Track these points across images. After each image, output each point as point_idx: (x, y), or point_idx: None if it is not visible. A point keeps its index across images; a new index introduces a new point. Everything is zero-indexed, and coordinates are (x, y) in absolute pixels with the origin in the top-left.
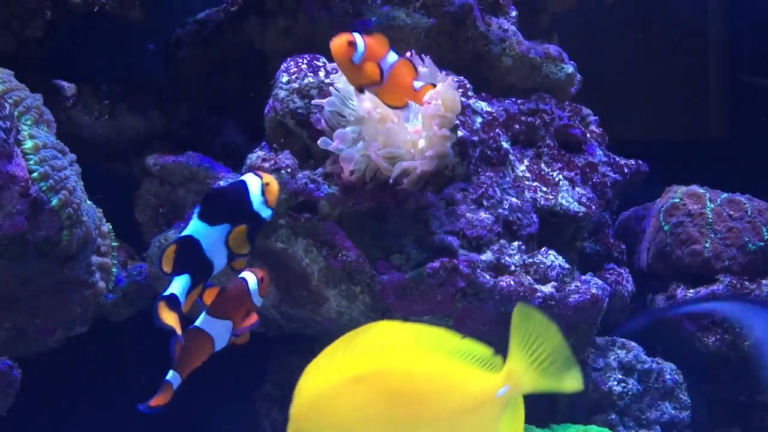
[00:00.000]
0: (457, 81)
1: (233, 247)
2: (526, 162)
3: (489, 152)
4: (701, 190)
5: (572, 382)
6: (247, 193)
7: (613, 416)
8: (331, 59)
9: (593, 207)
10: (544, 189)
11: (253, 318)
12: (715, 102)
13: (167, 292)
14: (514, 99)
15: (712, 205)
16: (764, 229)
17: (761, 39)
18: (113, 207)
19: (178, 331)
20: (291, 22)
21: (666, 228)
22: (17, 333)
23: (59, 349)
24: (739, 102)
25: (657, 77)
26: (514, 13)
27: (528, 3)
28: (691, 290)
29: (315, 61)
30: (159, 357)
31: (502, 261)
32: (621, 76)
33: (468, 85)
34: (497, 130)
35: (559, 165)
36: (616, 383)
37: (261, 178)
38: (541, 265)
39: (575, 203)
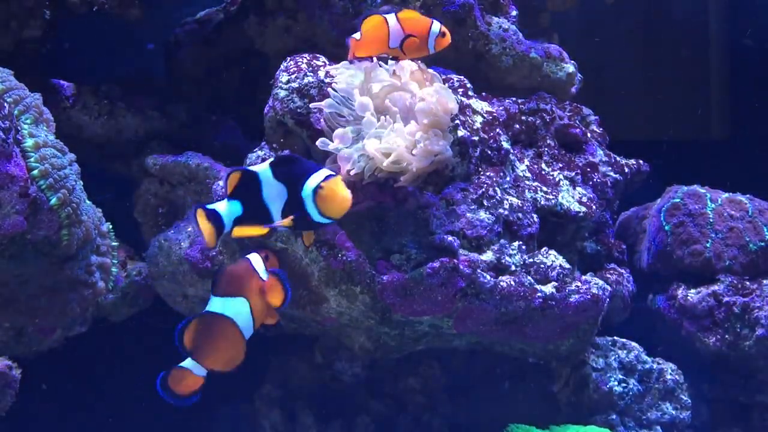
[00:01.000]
0: (457, 80)
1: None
2: (526, 162)
3: (489, 152)
4: (702, 190)
5: None
6: (307, 176)
7: (614, 416)
8: (330, 59)
9: (594, 207)
10: (545, 189)
11: (277, 288)
12: (716, 102)
13: (210, 206)
14: (514, 98)
15: (712, 205)
16: (765, 229)
17: (761, 39)
18: (113, 207)
19: (211, 244)
20: (291, 22)
21: (667, 228)
22: (16, 333)
23: (58, 348)
24: (739, 102)
25: (657, 77)
26: (514, 13)
27: (528, 2)
28: (692, 290)
29: (315, 61)
30: (159, 357)
31: (503, 261)
32: (621, 75)
33: (468, 85)
34: (497, 130)
35: (560, 165)
36: (616, 383)
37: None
38: (542, 265)
39: (576, 203)
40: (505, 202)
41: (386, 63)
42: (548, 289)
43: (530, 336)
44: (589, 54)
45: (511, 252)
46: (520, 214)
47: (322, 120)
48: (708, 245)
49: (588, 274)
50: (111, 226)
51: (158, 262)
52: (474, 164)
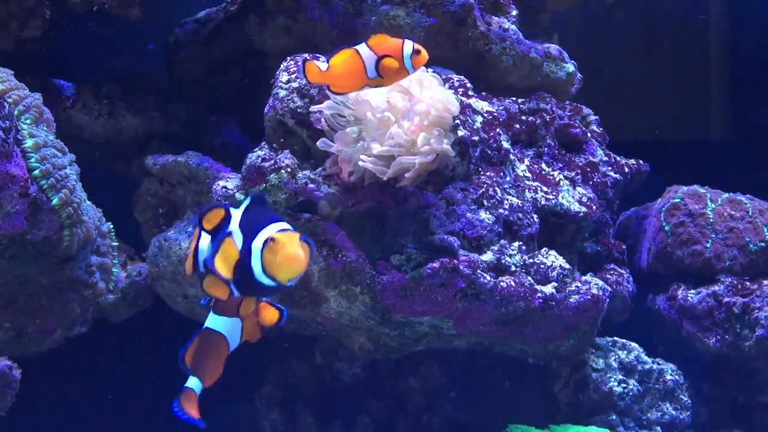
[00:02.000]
0: (457, 80)
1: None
2: (526, 162)
3: (489, 152)
4: (702, 190)
5: None
6: (265, 225)
7: (614, 417)
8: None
9: (594, 207)
10: (545, 189)
11: (272, 313)
12: (716, 102)
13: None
14: (514, 98)
15: (713, 205)
16: (765, 229)
17: (762, 38)
18: (113, 207)
19: (188, 271)
20: (291, 22)
21: (667, 228)
22: (17, 333)
23: (59, 349)
24: (739, 102)
25: (658, 77)
26: (514, 13)
27: (528, 2)
28: (692, 290)
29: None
30: (158, 357)
31: (503, 261)
32: (621, 75)
33: (468, 85)
34: (498, 130)
35: (560, 165)
36: (616, 384)
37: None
38: (542, 266)
39: (576, 203)
40: (505, 202)
41: None
42: (548, 289)
43: (530, 336)
44: (589, 54)
45: (511, 252)
46: (520, 215)
47: (322, 120)
48: (708, 245)
49: (588, 274)
50: (111, 227)
51: (158, 262)
52: (474, 164)
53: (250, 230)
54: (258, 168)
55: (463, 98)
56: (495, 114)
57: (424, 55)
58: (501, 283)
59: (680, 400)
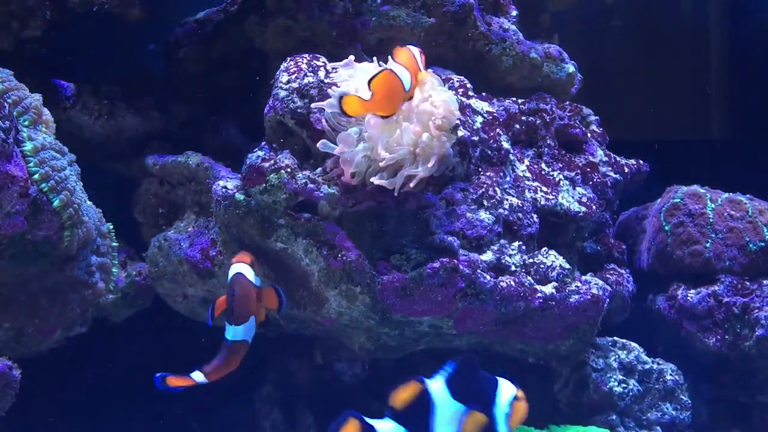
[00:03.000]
0: (457, 81)
1: None
2: (526, 162)
3: (489, 152)
4: (702, 190)
5: None
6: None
7: (614, 417)
8: (330, 59)
9: (594, 207)
10: (545, 189)
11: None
12: (716, 102)
13: (369, 420)
14: (514, 99)
15: (713, 205)
16: (765, 229)
17: (763, 38)
18: (113, 207)
19: None
20: (291, 22)
21: (667, 228)
22: (16, 333)
23: (59, 349)
24: (740, 102)
25: (658, 77)
26: (514, 13)
27: (529, 3)
28: (692, 290)
29: (315, 61)
30: (158, 357)
31: (503, 261)
32: (621, 75)
33: (468, 85)
34: (497, 130)
35: (560, 165)
36: (616, 384)
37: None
38: (542, 266)
39: (576, 203)
40: (505, 202)
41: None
42: (548, 289)
43: (530, 336)
44: (589, 54)
45: (511, 252)
46: (520, 214)
47: (323, 120)
48: (708, 245)
49: (588, 274)
50: (111, 227)
51: (158, 262)
52: (474, 164)
53: (479, 397)
54: (258, 168)
55: (463, 98)
56: (495, 114)
57: (423, 55)
58: (501, 283)
59: (680, 400)
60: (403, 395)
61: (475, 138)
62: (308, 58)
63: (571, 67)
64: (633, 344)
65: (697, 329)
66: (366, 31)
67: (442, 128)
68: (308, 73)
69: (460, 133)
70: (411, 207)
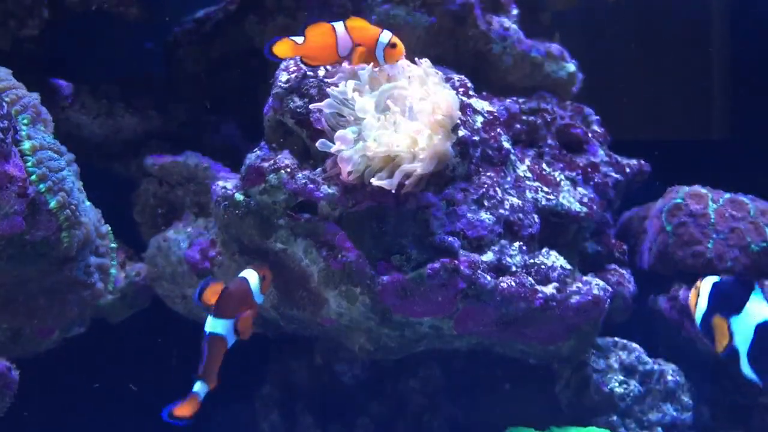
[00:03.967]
0: (458, 80)
1: None
2: (527, 162)
3: (490, 152)
4: (704, 191)
5: None
6: None
7: (615, 418)
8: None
9: (595, 207)
10: (546, 189)
11: (249, 316)
12: (717, 101)
13: None
14: (515, 98)
15: (714, 206)
16: (767, 230)
17: (764, 38)
18: (112, 207)
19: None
20: (290, 21)
21: (668, 228)
22: (14, 334)
23: (57, 350)
24: (741, 102)
25: (659, 76)
26: (515, 12)
27: (529, 1)
28: None
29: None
30: (157, 357)
31: (503, 262)
32: (623, 75)
33: (469, 84)
34: (498, 130)
35: (561, 165)
36: (617, 385)
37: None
38: (543, 266)
39: (577, 203)
40: (506, 202)
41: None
42: (549, 289)
43: (531, 337)
44: (590, 53)
45: (511, 253)
46: (520, 215)
47: (322, 119)
48: (710, 246)
49: (589, 274)
50: (110, 228)
51: (157, 262)
52: (475, 164)
53: None
54: (257, 168)
55: (464, 98)
56: (496, 114)
57: (401, 49)
58: (502, 284)
59: (681, 401)
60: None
61: (476, 138)
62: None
63: (572, 67)
64: (634, 345)
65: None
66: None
67: (442, 125)
68: (308, 72)
69: (461, 132)
70: (411, 207)
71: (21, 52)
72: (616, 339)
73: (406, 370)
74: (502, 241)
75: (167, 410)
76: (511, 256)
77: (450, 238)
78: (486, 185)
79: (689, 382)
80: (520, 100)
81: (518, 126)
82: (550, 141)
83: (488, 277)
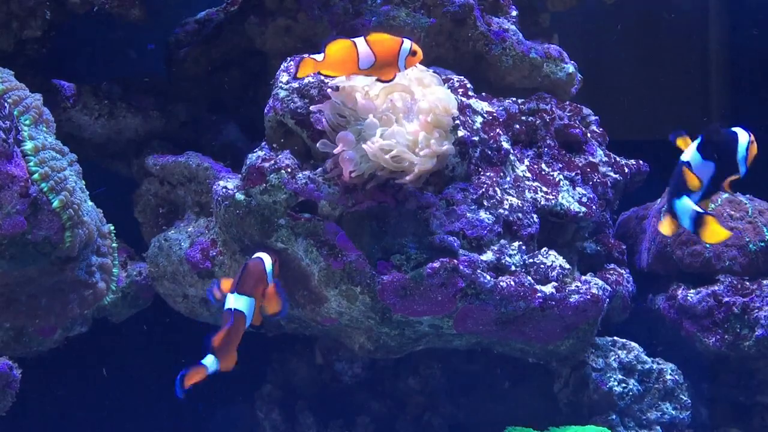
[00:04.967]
0: (457, 81)
1: None
2: (526, 162)
3: (489, 152)
4: None
5: None
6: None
7: (614, 417)
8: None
9: (594, 207)
10: (545, 189)
11: (276, 299)
12: (716, 101)
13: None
14: (514, 99)
15: (712, 205)
16: (765, 230)
17: (762, 38)
18: (113, 207)
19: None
20: (291, 22)
21: None
22: (17, 333)
23: (59, 349)
24: (740, 101)
25: (658, 77)
26: (514, 13)
27: (528, 3)
28: (692, 290)
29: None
30: (158, 357)
31: (503, 261)
32: (621, 75)
33: (468, 85)
34: (497, 130)
35: (560, 165)
36: (616, 384)
37: None
38: (542, 266)
39: (576, 203)
40: (505, 202)
41: None
42: (548, 289)
43: (530, 336)
44: (589, 54)
45: (511, 252)
46: (520, 215)
47: (323, 120)
48: (708, 246)
49: (588, 274)
50: (112, 227)
51: (158, 262)
52: (474, 164)
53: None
54: (258, 168)
55: (463, 99)
56: (495, 114)
57: (420, 55)
58: (501, 283)
59: (680, 400)
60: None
61: (475, 138)
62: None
63: (571, 67)
64: (633, 344)
65: (696, 329)
66: (366, 31)
67: (440, 126)
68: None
69: (460, 133)
70: (411, 207)
71: (23, 53)
72: (615, 338)
73: (406, 368)
74: (502, 241)
75: (180, 377)
76: (510, 256)
77: (449, 238)
78: (485, 185)
79: (688, 381)
80: (519, 101)
81: (517, 126)
82: (549, 141)
83: (488, 277)
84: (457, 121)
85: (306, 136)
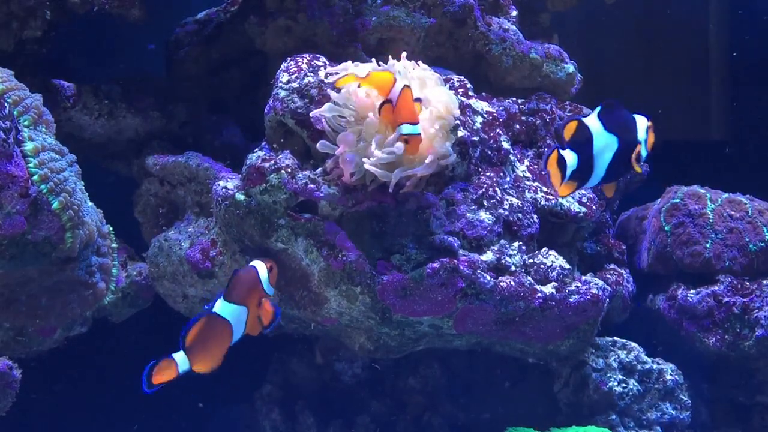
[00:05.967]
0: (457, 81)
1: None
2: (526, 162)
3: (489, 152)
4: (702, 191)
5: None
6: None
7: (614, 417)
8: (331, 59)
9: (594, 207)
10: (545, 189)
11: (269, 309)
12: (716, 102)
13: (562, 152)
14: (514, 99)
15: (712, 206)
16: (765, 230)
17: (762, 38)
18: (113, 207)
19: (557, 189)
20: (291, 22)
21: (666, 228)
22: (17, 333)
23: (59, 349)
24: (739, 102)
25: (657, 77)
26: (514, 13)
27: (529, 3)
28: (692, 290)
29: (315, 61)
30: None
31: (503, 261)
32: (621, 75)
33: (468, 85)
34: (497, 130)
35: None
36: (616, 384)
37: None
38: (542, 266)
39: (576, 203)
40: (505, 202)
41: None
42: (548, 289)
43: (530, 336)
44: (589, 54)
45: (511, 252)
46: (520, 215)
47: (323, 120)
48: (708, 246)
49: (588, 274)
50: (111, 228)
51: (158, 262)
52: (474, 164)
53: (625, 128)
54: (258, 168)
55: (463, 99)
56: (495, 114)
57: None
58: (501, 283)
59: (680, 400)
60: (570, 129)
61: (475, 138)
62: (308, 58)
63: (571, 67)
64: (633, 344)
65: (697, 329)
66: (366, 32)
67: (441, 126)
68: (308, 73)
69: (460, 133)
70: (411, 207)
71: (23, 53)
72: (615, 338)
73: (407, 368)
74: (502, 241)
75: (146, 374)
76: (510, 256)
77: (449, 238)
78: (485, 185)
79: (688, 381)
80: (520, 101)
81: (517, 126)
82: (549, 141)
83: (488, 277)
84: (457, 122)
85: (306, 136)
